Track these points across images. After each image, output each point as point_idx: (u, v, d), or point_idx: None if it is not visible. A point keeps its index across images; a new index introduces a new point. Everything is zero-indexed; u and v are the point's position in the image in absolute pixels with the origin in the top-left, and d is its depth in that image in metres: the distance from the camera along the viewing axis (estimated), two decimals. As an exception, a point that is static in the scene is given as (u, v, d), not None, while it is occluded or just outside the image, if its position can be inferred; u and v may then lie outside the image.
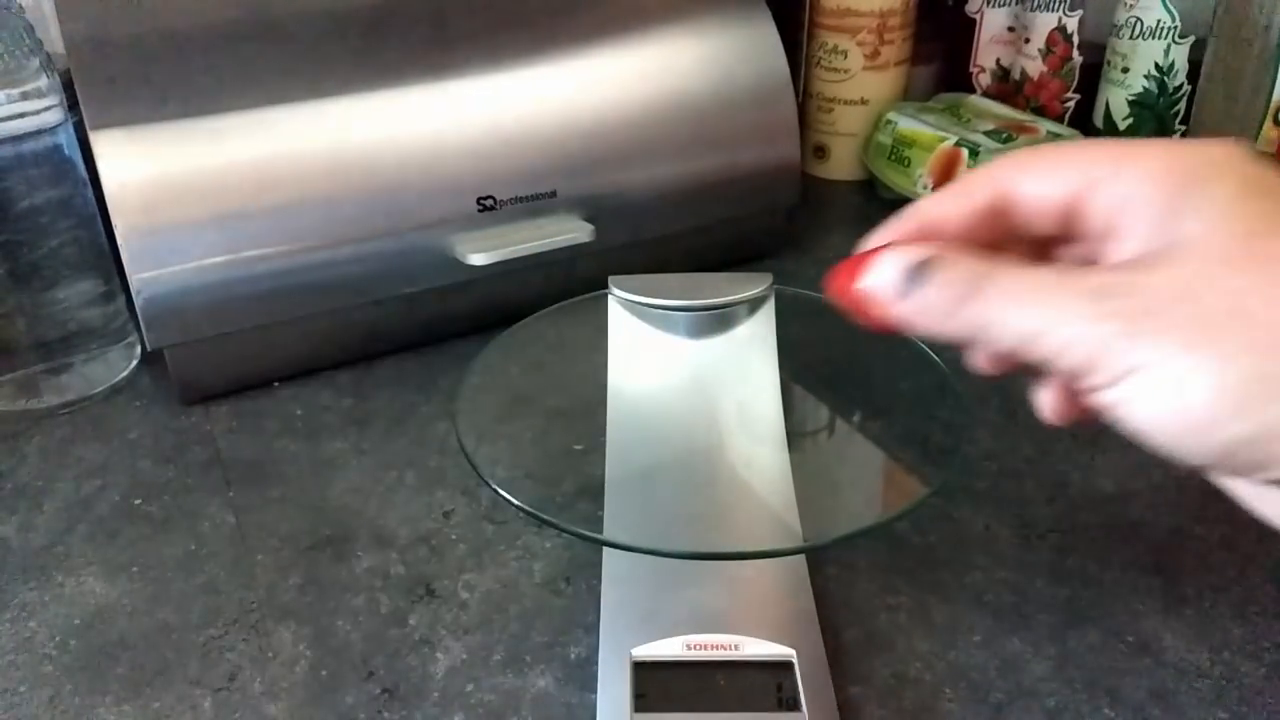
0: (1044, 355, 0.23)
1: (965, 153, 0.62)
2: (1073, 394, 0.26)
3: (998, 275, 0.24)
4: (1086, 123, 0.67)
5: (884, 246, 0.27)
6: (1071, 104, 0.70)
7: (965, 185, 0.27)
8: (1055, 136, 0.63)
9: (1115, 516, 0.41)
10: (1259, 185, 0.23)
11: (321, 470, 0.44)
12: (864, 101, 0.73)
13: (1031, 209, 0.26)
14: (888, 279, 0.26)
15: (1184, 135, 0.62)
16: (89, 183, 0.48)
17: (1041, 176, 0.26)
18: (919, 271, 0.25)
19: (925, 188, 0.64)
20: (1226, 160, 0.24)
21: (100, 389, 0.50)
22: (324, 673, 0.34)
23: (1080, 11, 0.67)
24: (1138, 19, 0.61)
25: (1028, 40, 0.71)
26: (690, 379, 0.44)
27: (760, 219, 0.60)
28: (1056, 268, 0.24)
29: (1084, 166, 0.25)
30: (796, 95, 0.68)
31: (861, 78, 0.72)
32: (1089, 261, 0.26)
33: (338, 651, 0.35)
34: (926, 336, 0.26)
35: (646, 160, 0.53)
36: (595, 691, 0.31)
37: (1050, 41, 0.69)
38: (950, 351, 0.29)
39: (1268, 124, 0.55)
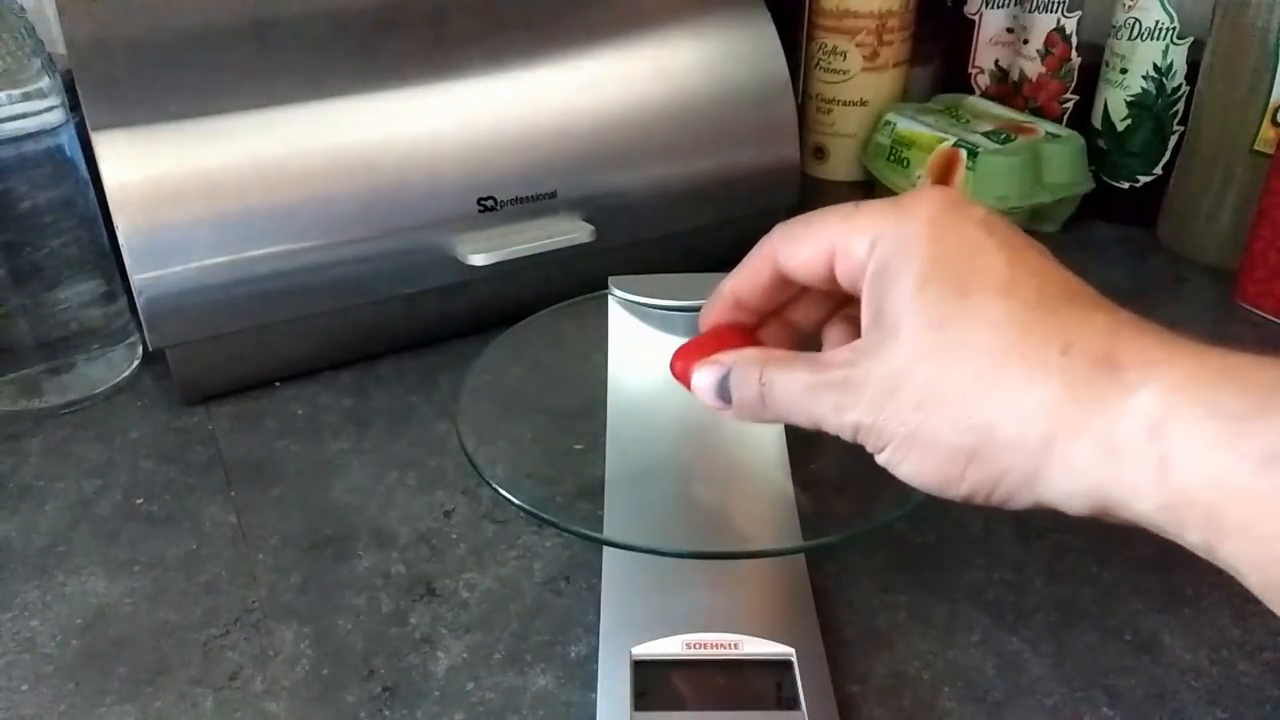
0: (833, 433, 0.27)
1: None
2: None
3: (773, 379, 0.28)
4: (1085, 123, 0.67)
5: (707, 337, 0.32)
6: (1070, 105, 0.70)
7: (751, 262, 0.31)
8: (1054, 137, 0.64)
9: (1114, 516, 0.41)
10: (941, 263, 0.26)
11: (322, 470, 0.44)
12: (863, 102, 0.73)
13: (801, 275, 0.30)
14: (707, 392, 0.30)
15: (1182, 136, 0.62)
16: (90, 183, 0.48)
17: (797, 248, 0.29)
18: (723, 385, 0.30)
19: (924, 188, 0.64)
20: (916, 236, 0.26)
21: (102, 389, 0.50)
22: (325, 671, 0.34)
23: (1079, 12, 0.67)
24: (1136, 20, 0.61)
25: (1026, 41, 0.71)
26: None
27: (760, 219, 0.59)
28: (812, 363, 0.28)
29: (824, 237, 0.28)
30: (796, 96, 0.68)
31: (860, 79, 0.72)
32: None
33: (339, 650, 0.35)
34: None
35: (646, 160, 0.54)
36: (595, 690, 0.32)
37: (1049, 42, 0.70)
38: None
39: (1266, 124, 0.55)
